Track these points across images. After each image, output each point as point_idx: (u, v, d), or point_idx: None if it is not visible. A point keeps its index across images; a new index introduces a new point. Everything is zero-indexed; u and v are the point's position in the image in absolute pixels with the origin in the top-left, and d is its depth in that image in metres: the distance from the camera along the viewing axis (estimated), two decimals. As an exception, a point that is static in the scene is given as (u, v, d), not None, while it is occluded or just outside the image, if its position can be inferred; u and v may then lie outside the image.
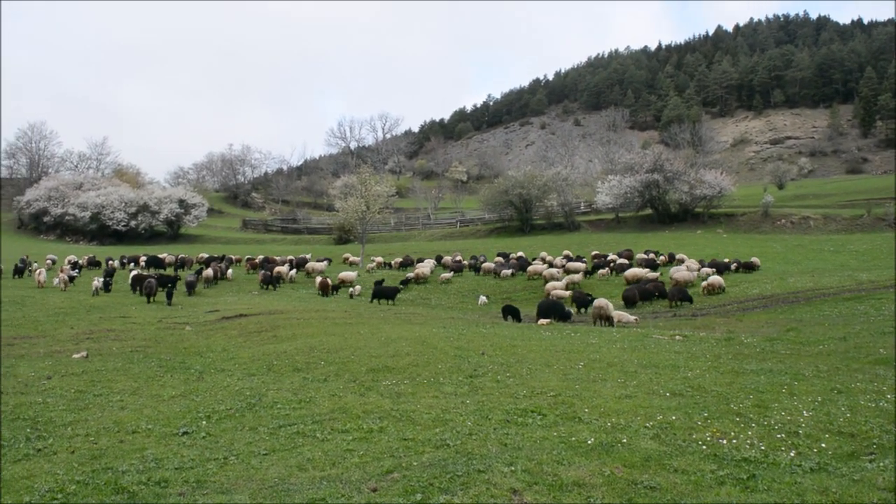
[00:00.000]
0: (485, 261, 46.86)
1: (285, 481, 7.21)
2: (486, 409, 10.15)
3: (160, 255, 49.37)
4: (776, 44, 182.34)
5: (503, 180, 79.00)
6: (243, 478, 7.39)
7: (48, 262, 45.70)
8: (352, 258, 53.84)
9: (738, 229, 64.14)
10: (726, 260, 41.40)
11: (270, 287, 38.44)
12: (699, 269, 37.51)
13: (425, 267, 43.29)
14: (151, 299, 30.49)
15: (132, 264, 48.24)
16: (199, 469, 7.74)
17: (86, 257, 50.07)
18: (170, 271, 43.99)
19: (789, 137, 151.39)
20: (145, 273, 38.79)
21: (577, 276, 37.93)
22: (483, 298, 34.31)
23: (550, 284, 35.04)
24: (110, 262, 48.58)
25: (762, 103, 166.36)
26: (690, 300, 30.73)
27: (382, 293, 34.43)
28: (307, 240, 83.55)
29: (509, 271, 42.45)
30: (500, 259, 48.05)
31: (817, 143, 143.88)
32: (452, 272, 43.60)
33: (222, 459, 8.09)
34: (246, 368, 14.75)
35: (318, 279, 37.79)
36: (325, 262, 46.39)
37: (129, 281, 35.08)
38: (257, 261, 47.67)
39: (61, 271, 38.59)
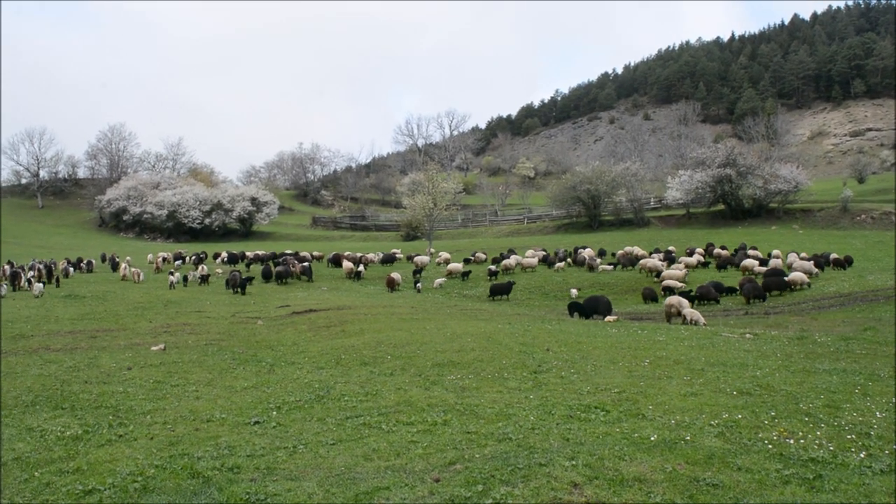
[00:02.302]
0: (565, 256, 47.65)
1: (351, 470, 7.44)
2: (549, 405, 10.20)
3: (233, 252, 51.52)
4: (856, 32, 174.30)
5: (571, 176, 78.24)
6: (311, 466, 7.66)
7: (160, 259, 47.68)
8: (443, 255, 54.07)
9: (814, 225, 62.09)
10: (801, 256, 40.21)
11: (304, 277, 40.41)
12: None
13: (511, 260, 44.77)
14: (237, 290, 33.02)
15: (218, 260, 51.79)
16: (269, 457, 8.06)
17: (170, 253, 52.57)
18: (241, 266, 47.07)
19: (870, 129, 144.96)
20: (235, 269, 42.19)
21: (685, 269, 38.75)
22: (574, 291, 35.25)
23: (666, 273, 35.94)
24: (194, 256, 51.31)
25: (841, 94, 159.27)
26: (764, 298, 30.02)
27: (499, 289, 35.55)
28: (375, 237, 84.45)
29: (610, 267, 43.07)
30: (591, 252, 48.16)
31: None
32: (563, 262, 44.90)
33: (292, 448, 8.40)
34: (315, 362, 15.14)
35: (388, 275, 38.46)
36: (428, 257, 47.64)
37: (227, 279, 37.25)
38: (357, 256, 49.10)
39: (156, 267, 41.67)
